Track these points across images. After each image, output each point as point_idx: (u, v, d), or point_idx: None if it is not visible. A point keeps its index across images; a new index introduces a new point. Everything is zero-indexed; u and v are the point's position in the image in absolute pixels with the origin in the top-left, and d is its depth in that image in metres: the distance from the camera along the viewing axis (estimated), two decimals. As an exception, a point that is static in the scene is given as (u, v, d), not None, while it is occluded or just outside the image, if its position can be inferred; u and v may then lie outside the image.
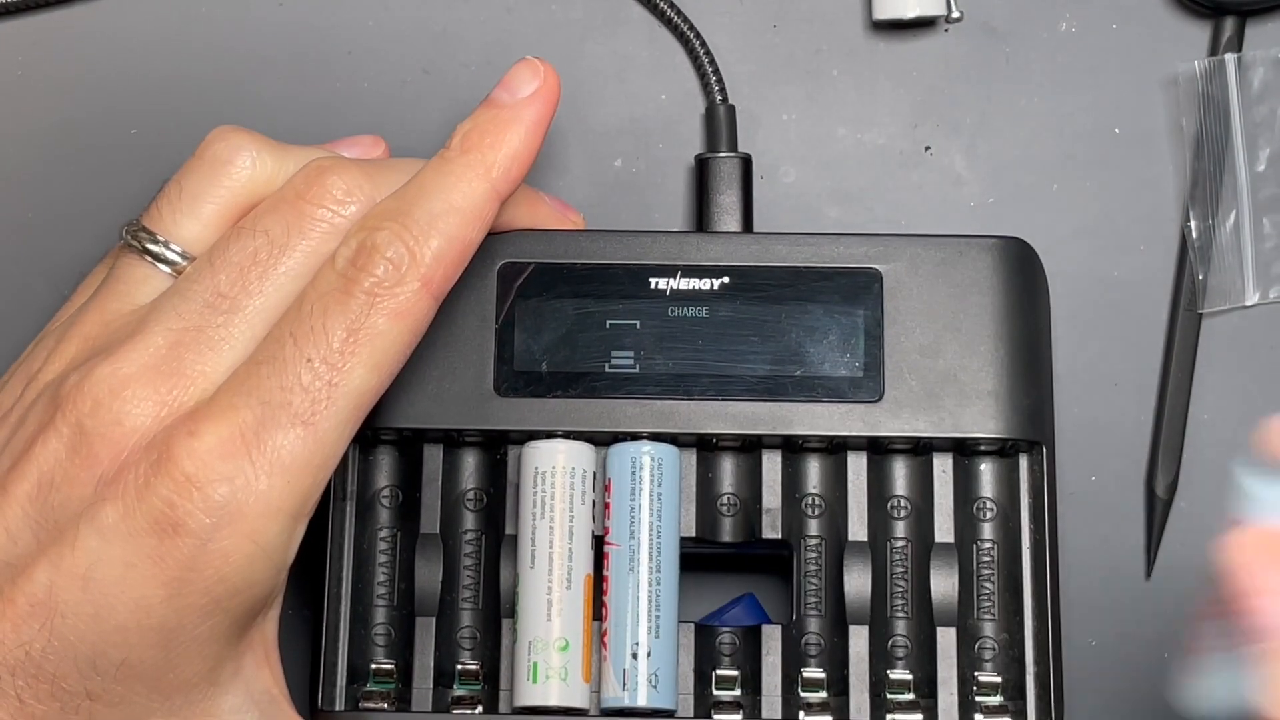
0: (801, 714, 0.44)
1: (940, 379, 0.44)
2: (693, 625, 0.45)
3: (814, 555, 0.46)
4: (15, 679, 0.38)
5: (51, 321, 0.44)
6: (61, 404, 0.39)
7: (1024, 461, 0.45)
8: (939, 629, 0.45)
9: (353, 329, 0.40)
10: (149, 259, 0.42)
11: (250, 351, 0.40)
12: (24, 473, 0.39)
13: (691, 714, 0.45)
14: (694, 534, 0.45)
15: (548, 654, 0.44)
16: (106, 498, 0.38)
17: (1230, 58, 0.49)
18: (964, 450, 0.45)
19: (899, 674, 0.45)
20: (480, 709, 0.44)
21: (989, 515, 0.46)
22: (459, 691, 0.45)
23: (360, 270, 0.40)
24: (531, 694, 0.44)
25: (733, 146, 0.49)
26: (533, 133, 0.42)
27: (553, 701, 0.44)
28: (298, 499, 0.39)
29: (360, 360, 0.39)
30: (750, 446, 0.46)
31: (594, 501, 0.45)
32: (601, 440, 0.45)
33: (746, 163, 0.48)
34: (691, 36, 0.50)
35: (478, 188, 0.41)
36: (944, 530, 0.45)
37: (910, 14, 0.49)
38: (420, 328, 0.40)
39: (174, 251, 0.42)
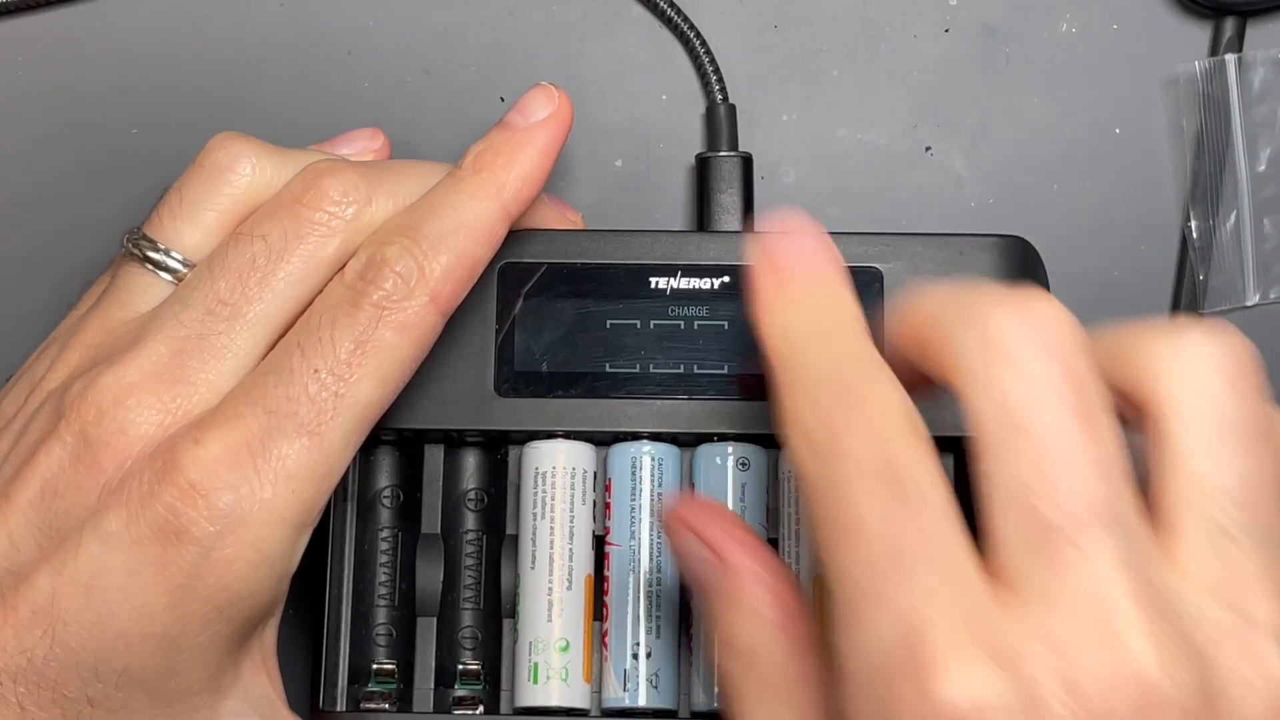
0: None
1: (940, 378, 0.44)
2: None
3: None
4: (17, 686, 0.38)
5: (55, 330, 0.44)
6: (65, 412, 0.39)
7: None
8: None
9: (360, 341, 0.40)
10: (150, 267, 0.42)
11: (253, 358, 0.40)
12: (28, 480, 0.39)
13: (689, 715, 0.45)
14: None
15: (548, 654, 0.44)
16: (110, 505, 0.38)
17: (1230, 58, 0.49)
18: (965, 449, 0.45)
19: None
20: (481, 709, 0.44)
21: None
22: (460, 692, 0.45)
23: (369, 283, 0.40)
24: (532, 694, 0.44)
25: (733, 146, 0.49)
26: (544, 156, 0.42)
27: (554, 702, 0.44)
28: (302, 509, 0.39)
29: (367, 372, 0.40)
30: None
31: (594, 502, 0.45)
32: (602, 440, 0.45)
33: (747, 162, 0.48)
34: (691, 36, 0.50)
35: (489, 207, 0.42)
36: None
37: None
38: (427, 342, 0.41)
39: (175, 259, 0.42)
